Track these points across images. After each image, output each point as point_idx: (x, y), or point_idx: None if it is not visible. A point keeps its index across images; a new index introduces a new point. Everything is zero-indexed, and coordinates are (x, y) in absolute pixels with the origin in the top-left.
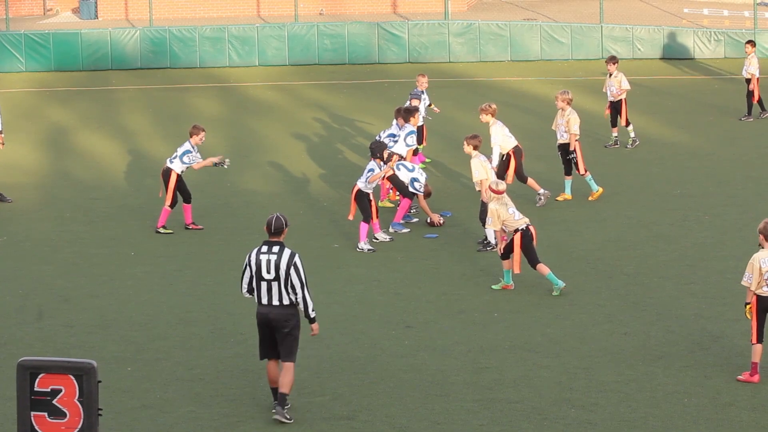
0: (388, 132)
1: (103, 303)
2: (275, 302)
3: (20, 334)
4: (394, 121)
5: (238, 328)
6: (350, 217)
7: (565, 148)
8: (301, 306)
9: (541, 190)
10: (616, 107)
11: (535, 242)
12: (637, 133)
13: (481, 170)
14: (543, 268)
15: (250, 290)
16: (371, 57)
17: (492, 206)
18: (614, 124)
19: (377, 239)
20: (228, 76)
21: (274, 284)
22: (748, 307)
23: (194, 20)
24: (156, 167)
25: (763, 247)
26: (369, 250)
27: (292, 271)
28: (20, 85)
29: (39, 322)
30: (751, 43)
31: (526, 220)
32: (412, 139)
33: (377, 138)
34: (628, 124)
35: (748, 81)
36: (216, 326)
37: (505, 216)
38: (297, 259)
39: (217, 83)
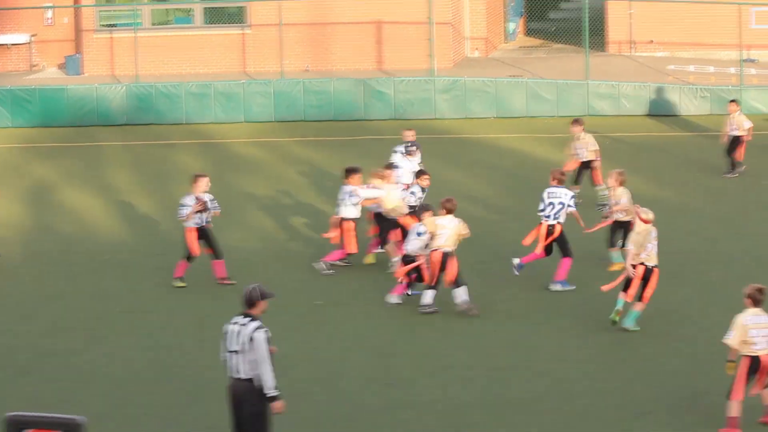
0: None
1: (87, 358)
2: (237, 375)
3: (3, 389)
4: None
5: (221, 384)
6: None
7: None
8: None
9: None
10: (587, 165)
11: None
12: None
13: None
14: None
15: (224, 360)
16: (357, 113)
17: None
18: (578, 181)
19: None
20: (213, 132)
21: (239, 356)
22: (729, 364)
23: (180, 76)
24: (139, 223)
25: (748, 308)
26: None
27: (253, 345)
28: (6, 141)
29: (22, 378)
30: (736, 102)
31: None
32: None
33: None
34: (598, 185)
35: (736, 138)
36: (199, 382)
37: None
38: (259, 333)
39: (202, 139)
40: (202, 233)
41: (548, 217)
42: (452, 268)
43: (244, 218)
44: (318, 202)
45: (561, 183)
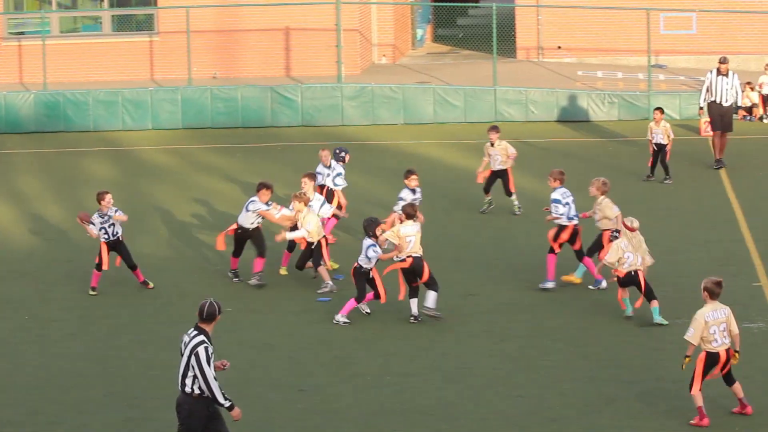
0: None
1: None
2: (179, 387)
3: None
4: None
5: (131, 392)
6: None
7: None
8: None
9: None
10: (499, 174)
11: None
12: (533, 195)
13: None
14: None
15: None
16: (264, 120)
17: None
18: (487, 190)
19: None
20: (122, 139)
21: (182, 370)
22: (686, 359)
23: (88, 84)
24: (49, 230)
25: (707, 303)
26: (344, 323)
27: (193, 359)
28: None
29: None
30: (661, 110)
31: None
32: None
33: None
34: (512, 194)
35: (662, 146)
36: (109, 390)
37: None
38: (200, 348)
39: (111, 147)
40: (114, 246)
41: (572, 218)
42: (426, 271)
43: (153, 225)
44: (228, 208)
45: (563, 183)
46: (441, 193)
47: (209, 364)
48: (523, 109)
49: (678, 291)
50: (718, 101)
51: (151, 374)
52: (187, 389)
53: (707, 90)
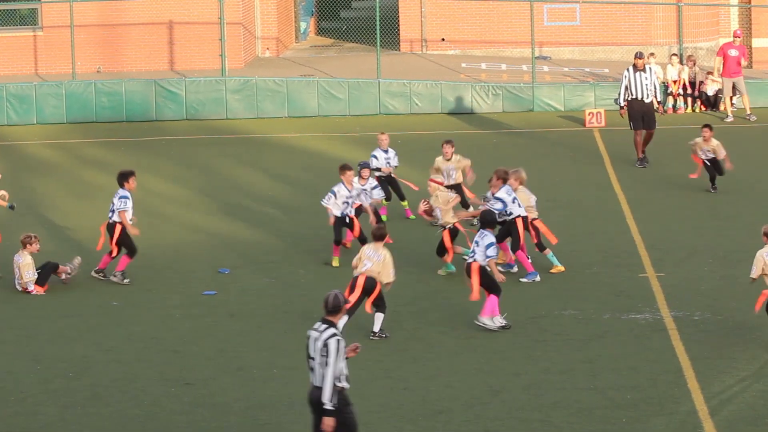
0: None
1: None
2: (314, 383)
3: None
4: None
5: (18, 387)
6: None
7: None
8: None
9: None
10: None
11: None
12: (424, 190)
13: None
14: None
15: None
16: (149, 114)
17: None
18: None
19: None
20: (6, 134)
21: (315, 364)
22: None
23: None
24: None
25: (766, 245)
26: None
27: (324, 352)
28: None
29: None
30: (709, 127)
31: None
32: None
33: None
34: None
35: (716, 160)
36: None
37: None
38: (332, 340)
39: None
40: None
41: (511, 213)
42: (376, 293)
43: (39, 220)
44: (110, 202)
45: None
46: (326, 185)
47: (339, 357)
48: (406, 101)
49: (565, 281)
50: (639, 98)
51: (39, 369)
52: (318, 383)
53: (626, 88)
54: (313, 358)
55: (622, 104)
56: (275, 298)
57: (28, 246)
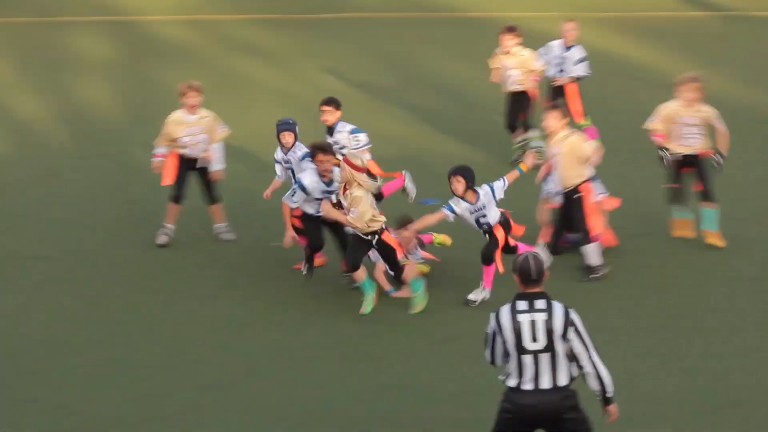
0: None
1: None
2: (545, 385)
3: None
4: None
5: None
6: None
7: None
8: (590, 382)
9: None
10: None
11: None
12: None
13: None
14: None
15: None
16: None
17: None
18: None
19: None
20: (125, 6)
21: (547, 356)
22: None
23: None
24: (21, 128)
25: None
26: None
27: (572, 333)
28: None
29: None
30: None
31: None
32: None
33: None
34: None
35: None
36: None
37: None
38: (574, 314)
39: (107, 15)
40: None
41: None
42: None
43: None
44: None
45: None
46: None
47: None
48: None
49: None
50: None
51: None
52: (561, 382)
53: None
54: (537, 351)
55: None
56: (169, 287)
57: None
